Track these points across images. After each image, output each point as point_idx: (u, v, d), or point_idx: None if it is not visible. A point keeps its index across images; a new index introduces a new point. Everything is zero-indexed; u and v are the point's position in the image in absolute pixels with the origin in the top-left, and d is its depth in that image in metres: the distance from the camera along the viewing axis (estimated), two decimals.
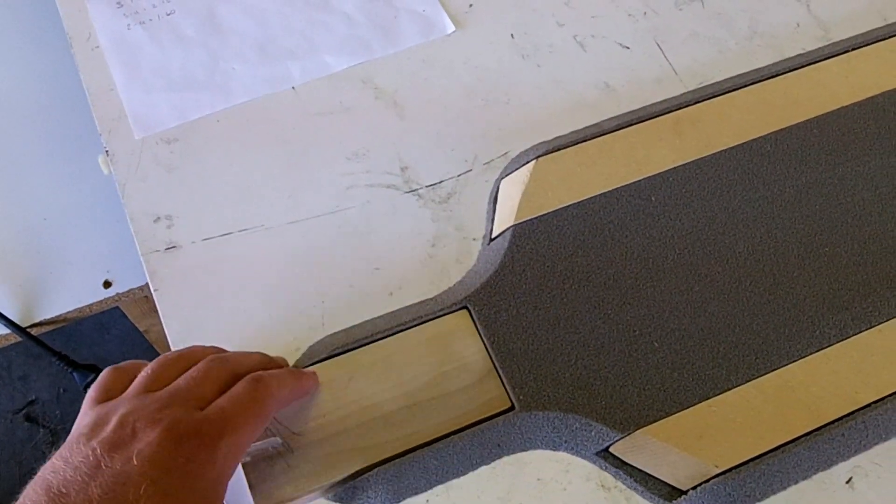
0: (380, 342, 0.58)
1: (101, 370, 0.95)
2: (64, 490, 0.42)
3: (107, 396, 0.49)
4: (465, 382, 0.57)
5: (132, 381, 0.50)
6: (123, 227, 0.69)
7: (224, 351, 0.54)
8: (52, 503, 0.42)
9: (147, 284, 0.89)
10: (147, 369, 0.50)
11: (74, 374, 0.98)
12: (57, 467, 0.43)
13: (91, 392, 0.50)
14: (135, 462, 0.43)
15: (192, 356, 0.52)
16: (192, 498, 0.44)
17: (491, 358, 0.58)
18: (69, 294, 0.90)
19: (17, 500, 0.43)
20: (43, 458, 0.44)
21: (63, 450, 0.45)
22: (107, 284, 0.91)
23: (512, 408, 0.56)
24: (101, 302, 0.91)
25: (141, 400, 0.47)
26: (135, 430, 0.45)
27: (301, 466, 0.54)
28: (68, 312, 0.90)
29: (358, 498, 0.55)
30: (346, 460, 0.55)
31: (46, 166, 0.95)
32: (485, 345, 0.58)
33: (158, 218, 0.66)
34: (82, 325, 1.56)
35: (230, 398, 0.49)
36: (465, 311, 0.60)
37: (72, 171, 0.94)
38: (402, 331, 0.59)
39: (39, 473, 0.44)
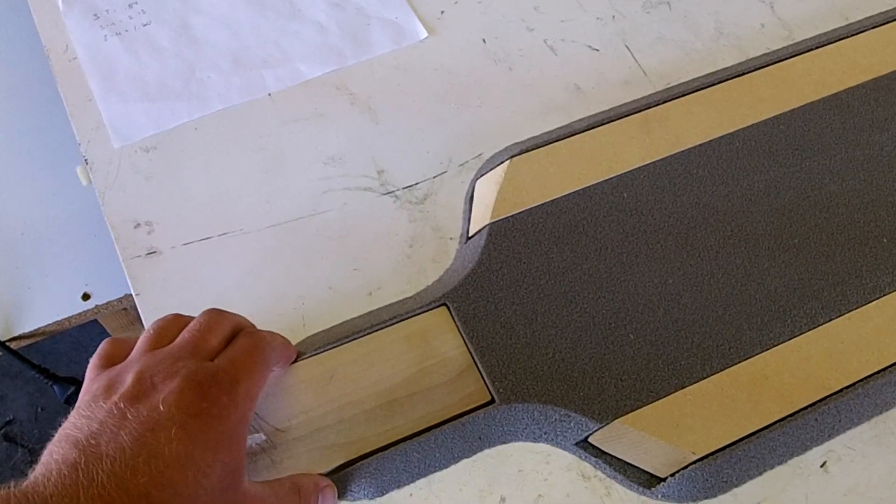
0: (360, 339, 0.59)
1: (81, 383, 0.95)
2: (93, 441, 0.42)
3: (111, 362, 0.50)
4: (445, 377, 0.58)
5: (132, 348, 0.51)
6: (102, 238, 0.69)
7: None
8: (84, 454, 0.42)
9: (126, 296, 0.90)
10: (148, 330, 0.51)
11: (55, 386, 0.98)
12: (80, 424, 0.44)
13: (94, 361, 0.50)
14: (161, 409, 0.44)
15: (185, 317, 0.53)
16: (219, 440, 0.45)
17: (470, 353, 0.59)
18: (47, 307, 0.90)
19: (37, 464, 0.43)
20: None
21: (80, 410, 0.45)
22: (85, 297, 0.91)
23: (492, 401, 0.57)
24: (79, 315, 0.91)
25: (152, 357, 0.48)
26: (154, 383, 0.46)
27: (284, 462, 0.55)
28: (47, 326, 0.90)
29: (341, 492, 0.55)
30: (329, 456, 0.55)
31: (23, 180, 0.95)
32: (464, 340, 0.59)
33: (139, 224, 0.67)
34: (59, 342, 1.55)
35: (237, 349, 0.50)
36: (443, 308, 0.61)
37: (49, 184, 0.94)
38: (382, 329, 0.60)
39: (60, 433, 0.44)
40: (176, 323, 0.52)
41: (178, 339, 0.50)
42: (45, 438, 1.49)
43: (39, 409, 1.53)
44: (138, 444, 0.42)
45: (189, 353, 0.49)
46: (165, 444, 0.43)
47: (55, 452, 0.42)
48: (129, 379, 0.46)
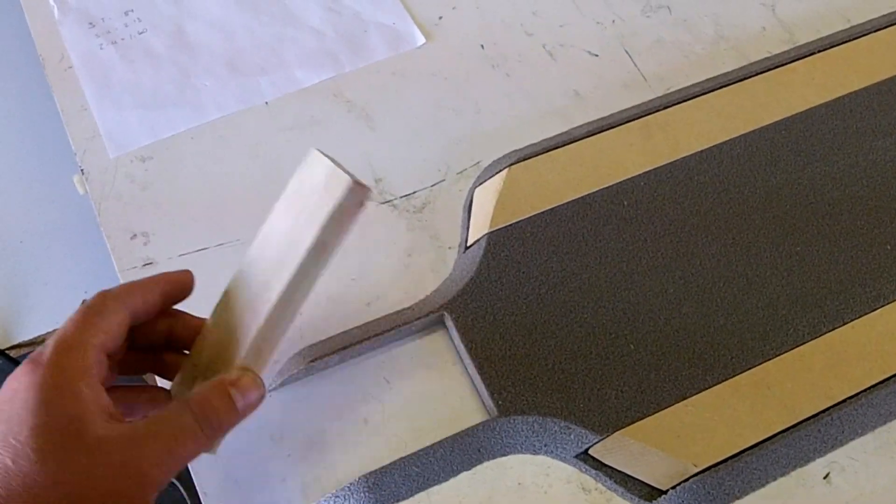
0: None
1: None
2: None
3: None
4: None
5: None
6: (100, 246, 0.69)
7: None
8: None
9: None
10: None
11: None
12: None
13: None
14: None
15: None
16: (20, 398, 0.44)
17: (469, 365, 0.58)
18: (47, 315, 0.90)
19: None
20: None
21: None
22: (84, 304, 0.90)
23: (491, 414, 0.57)
24: None
25: None
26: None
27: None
28: (47, 333, 0.90)
29: None
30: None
31: (21, 190, 0.95)
32: (463, 351, 0.59)
33: (135, 235, 0.66)
34: None
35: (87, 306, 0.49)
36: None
37: (47, 193, 0.94)
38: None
39: None
40: None
41: None
42: None
43: None
44: None
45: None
46: None
47: None
48: None
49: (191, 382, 0.52)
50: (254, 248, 0.54)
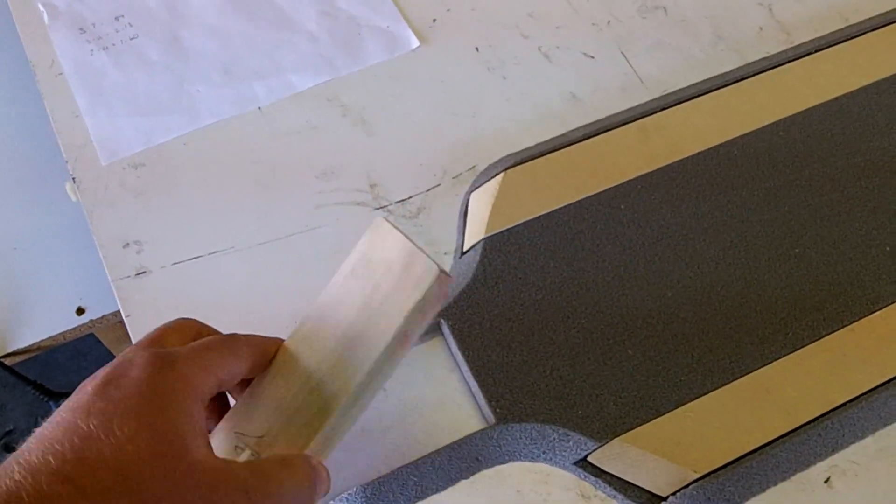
0: None
1: None
2: (40, 429, 0.42)
3: None
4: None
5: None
6: (95, 253, 0.68)
7: None
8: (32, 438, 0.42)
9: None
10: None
11: (51, 402, 0.97)
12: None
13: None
14: (87, 389, 0.43)
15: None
16: (144, 407, 0.43)
17: (466, 372, 0.58)
18: (42, 322, 0.90)
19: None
20: None
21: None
22: (80, 311, 0.90)
23: (489, 421, 0.56)
24: (74, 329, 0.91)
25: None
26: (93, 377, 0.45)
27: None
28: (42, 341, 0.90)
29: None
30: (309, 429, 0.53)
31: (14, 195, 0.94)
32: (460, 359, 0.58)
33: (128, 243, 0.66)
34: (57, 352, 1.55)
35: (201, 341, 0.49)
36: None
37: (40, 199, 0.94)
38: None
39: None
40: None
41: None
42: None
43: (39, 419, 1.52)
44: (58, 427, 0.41)
45: (146, 345, 0.48)
46: (83, 418, 0.41)
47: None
48: (89, 388, 0.45)
49: (243, 440, 0.51)
50: (318, 311, 0.53)
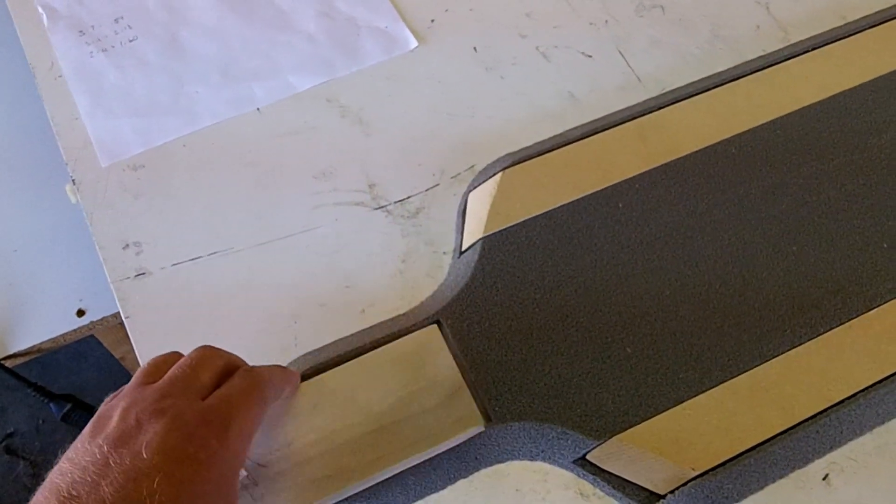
0: (345, 365, 0.58)
1: (77, 400, 0.95)
2: (74, 492, 0.41)
3: (152, 381, 0.48)
4: (436, 400, 0.57)
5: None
6: (95, 255, 0.68)
7: None
8: None
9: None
10: (144, 365, 0.50)
11: (51, 404, 0.97)
12: (64, 469, 0.42)
13: (135, 379, 0.49)
14: (144, 455, 0.42)
15: (183, 355, 0.52)
16: (208, 487, 0.43)
17: (464, 371, 0.58)
18: (43, 324, 0.90)
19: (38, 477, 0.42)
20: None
21: (70, 451, 0.44)
22: (80, 313, 0.90)
23: (488, 420, 0.56)
24: (75, 331, 0.91)
25: (140, 392, 0.46)
26: (139, 423, 0.44)
27: (266, 499, 0.53)
28: (42, 343, 0.90)
29: None
30: (314, 490, 0.53)
31: (14, 197, 0.94)
32: (457, 358, 0.58)
33: (127, 245, 0.66)
34: (58, 354, 1.55)
35: (231, 386, 0.48)
36: (434, 326, 0.60)
37: (40, 201, 0.94)
38: (372, 349, 0.58)
39: (48, 477, 0.42)
40: (172, 358, 0.50)
41: (167, 374, 0.48)
42: (46, 451, 1.49)
43: (41, 422, 1.53)
44: (120, 496, 0.40)
45: (179, 389, 0.47)
46: (148, 495, 0.41)
47: (39, 502, 0.41)
48: (115, 417, 0.44)
49: None
50: (351, 374, 0.57)
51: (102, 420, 0.45)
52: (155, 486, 0.41)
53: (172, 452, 0.43)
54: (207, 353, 0.50)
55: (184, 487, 0.42)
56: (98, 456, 0.42)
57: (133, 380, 0.49)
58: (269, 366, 0.54)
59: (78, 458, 0.43)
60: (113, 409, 0.45)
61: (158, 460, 0.42)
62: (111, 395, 0.49)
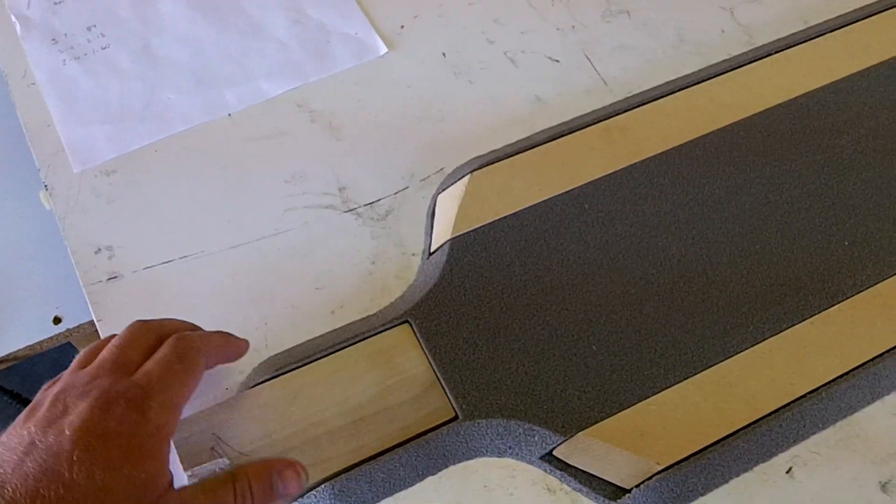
0: (322, 360, 0.59)
1: None
2: (0, 471, 0.43)
3: (53, 382, 0.50)
4: (409, 395, 0.58)
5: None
6: (70, 262, 0.69)
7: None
8: None
9: None
10: (81, 352, 0.52)
11: None
12: None
13: (71, 366, 0.51)
14: (66, 433, 0.44)
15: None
16: (124, 456, 0.45)
17: (433, 369, 0.59)
18: (19, 332, 0.90)
19: None
20: None
21: (3, 436, 0.46)
22: (56, 320, 0.90)
23: (456, 417, 0.57)
24: (51, 338, 0.91)
25: (73, 377, 0.48)
26: (66, 406, 0.46)
27: None
28: (19, 350, 0.90)
29: None
30: None
31: None
32: (427, 357, 0.59)
33: (99, 249, 0.66)
34: (37, 364, 1.54)
35: (155, 360, 0.50)
36: (406, 325, 0.60)
37: (14, 209, 0.94)
38: (344, 348, 0.59)
39: None
40: (107, 341, 0.52)
41: (98, 357, 0.50)
42: None
43: None
44: (41, 471, 0.43)
45: (108, 369, 0.49)
46: (67, 468, 0.43)
47: None
48: (47, 402, 0.47)
49: (221, 447, 0.55)
50: (327, 369, 0.59)
51: (36, 406, 0.47)
52: (74, 458, 0.43)
53: (93, 428, 0.44)
54: (136, 330, 0.52)
55: (98, 456, 0.44)
56: (26, 437, 0.44)
57: (71, 365, 0.51)
58: (208, 332, 0.55)
59: (9, 441, 0.45)
60: (46, 396, 0.48)
61: (79, 436, 0.44)
62: (48, 383, 0.50)
